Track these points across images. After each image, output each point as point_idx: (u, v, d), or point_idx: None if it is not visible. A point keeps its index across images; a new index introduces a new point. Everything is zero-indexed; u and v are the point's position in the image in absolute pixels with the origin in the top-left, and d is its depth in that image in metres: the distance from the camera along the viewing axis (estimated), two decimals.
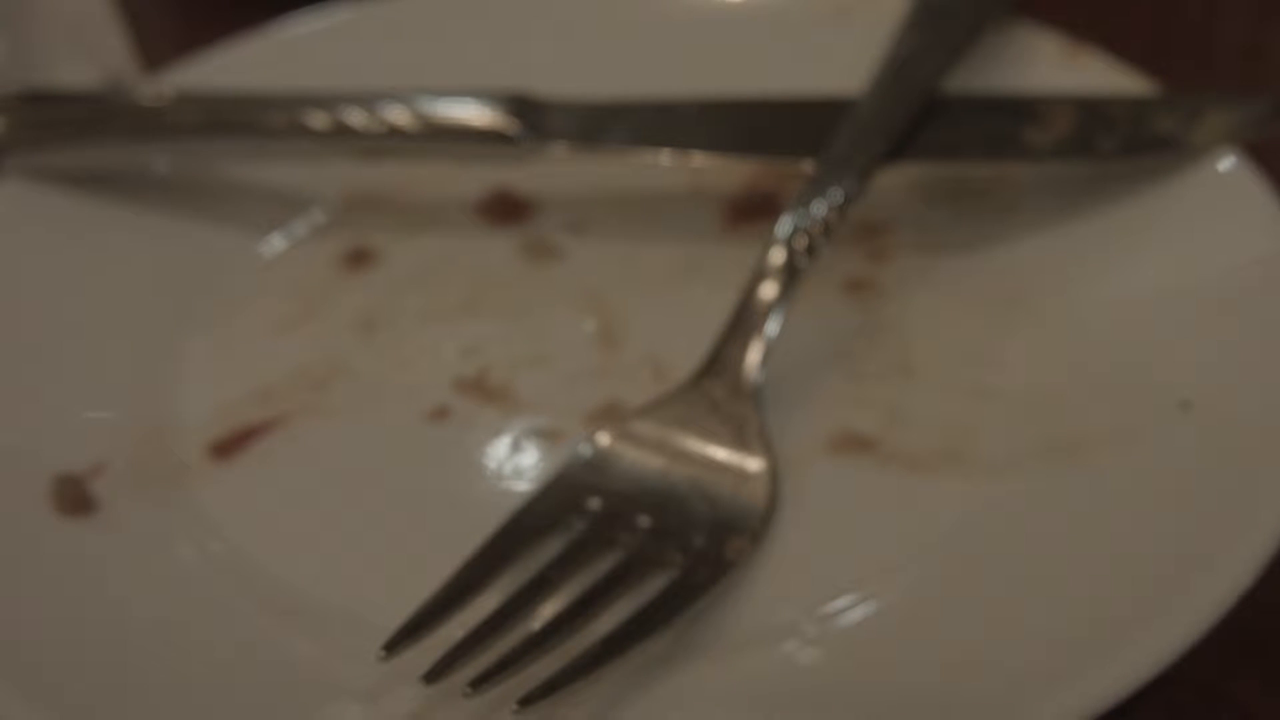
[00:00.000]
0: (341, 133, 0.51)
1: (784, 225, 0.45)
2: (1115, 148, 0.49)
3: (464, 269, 0.52)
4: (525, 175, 0.54)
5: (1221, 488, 0.38)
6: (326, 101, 0.52)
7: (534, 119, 0.51)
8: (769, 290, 0.44)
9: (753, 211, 0.52)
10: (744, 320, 0.44)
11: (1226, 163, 0.47)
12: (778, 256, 0.45)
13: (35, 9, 0.65)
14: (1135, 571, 0.37)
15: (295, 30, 0.60)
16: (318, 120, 0.51)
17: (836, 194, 0.46)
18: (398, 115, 0.51)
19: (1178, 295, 0.45)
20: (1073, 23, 0.57)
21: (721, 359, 0.43)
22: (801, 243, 0.45)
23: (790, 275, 0.44)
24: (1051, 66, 0.54)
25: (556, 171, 0.53)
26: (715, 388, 0.43)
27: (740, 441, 0.42)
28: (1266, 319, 0.42)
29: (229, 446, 0.46)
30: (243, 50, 0.59)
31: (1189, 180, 0.47)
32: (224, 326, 0.50)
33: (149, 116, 0.53)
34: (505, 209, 0.54)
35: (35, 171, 0.53)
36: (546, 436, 0.45)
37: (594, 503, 0.40)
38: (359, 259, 0.53)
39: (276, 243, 0.54)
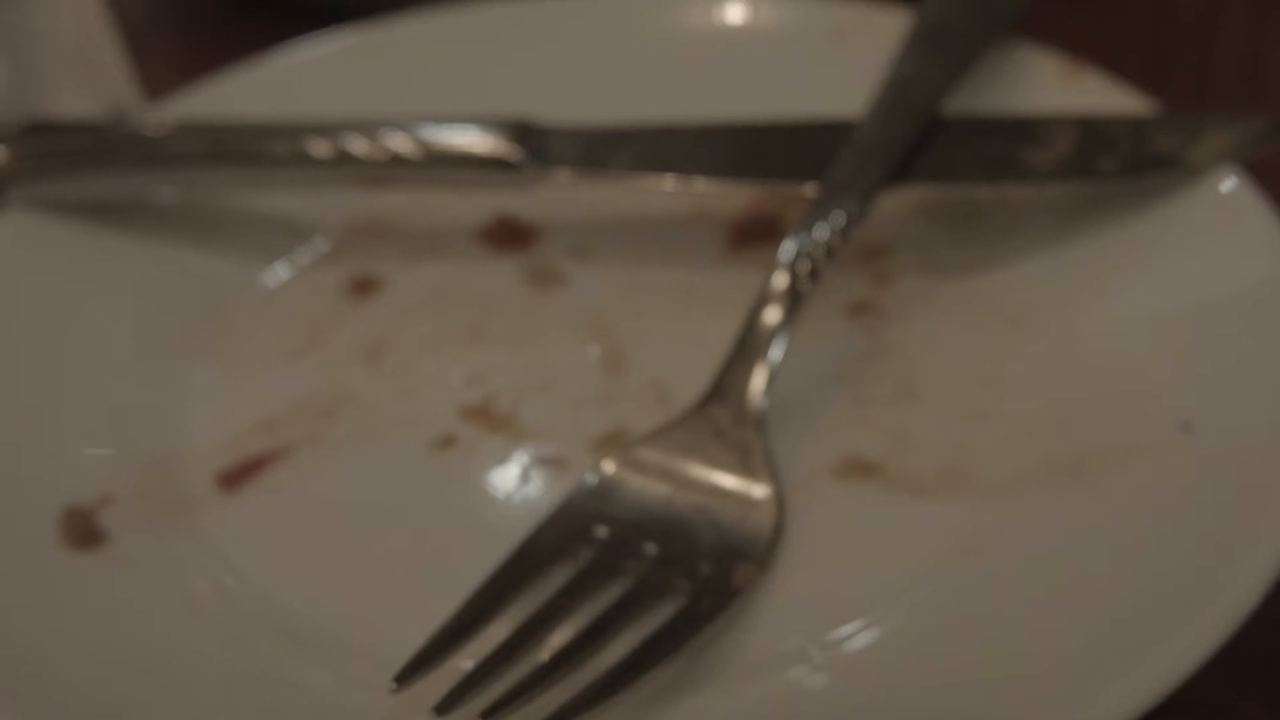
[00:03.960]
0: (344, 161, 0.51)
1: (787, 249, 0.46)
2: (1115, 168, 0.49)
3: (468, 296, 0.52)
4: (527, 201, 0.54)
5: (1224, 508, 0.38)
6: (328, 129, 0.52)
7: (536, 145, 0.51)
8: (772, 315, 0.44)
9: (755, 235, 0.53)
10: (748, 346, 0.44)
11: (1226, 182, 0.47)
12: (781, 281, 0.45)
13: (37, 37, 0.65)
14: (1140, 592, 0.37)
15: (296, 57, 0.60)
16: (320, 149, 0.51)
17: (839, 218, 0.47)
18: (400, 143, 0.51)
19: (1178, 316, 0.45)
20: (1072, 41, 0.57)
21: (725, 385, 0.43)
22: (804, 267, 0.45)
23: (793, 300, 0.45)
24: (1051, 85, 0.54)
25: (558, 197, 0.53)
26: (720, 414, 0.43)
27: (745, 468, 0.42)
28: (1266, 340, 0.42)
29: (236, 476, 0.46)
30: (244, 78, 0.59)
31: (1189, 200, 0.48)
32: (229, 355, 0.51)
33: (151, 146, 0.53)
34: (508, 235, 0.54)
35: (39, 201, 0.53)
36: (552, 464, 0.45)
37: (601, 531, 0.40)
38: (363, 287, 0.53)
39: (280, 271, 0.54)
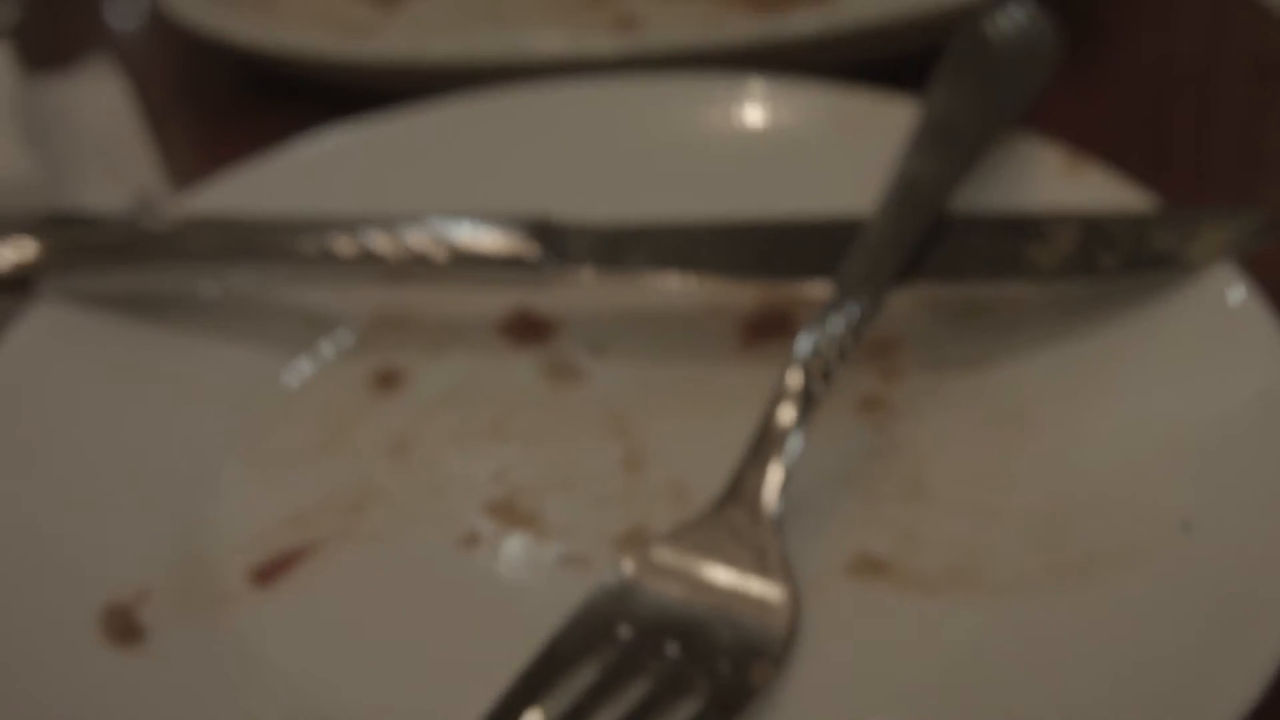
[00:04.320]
0: (367, 260, 0.53)
1: (800, 348, 0.47)
2: (1116, 265, 0.51)
3: (489, 390, 0.54)
4: (546, 294, 0.56)
5: (1222, 609, 0.40)
6: (350, 225, 0.54)
7: (555, 243, 0.53)
8: (786, 415, 0.46)
9: (767, 330, 0.54)
10: (762, 446, 0.46)
11: (1224, 281, 0.49)
12: (794, 381, 0.46)
13: (65, 127, 0.67)
14: (1141, 691, 0.39)
15: (317, 145, 0.62)
16: (343, 246, 0.53)
17: (850, 317, 0.48)
18: (421, 241, 0.53)
19: (1177, 416, 0.46)
20: (1074, 128, 0.59)
21: (741, 486, 0.45)
22: (818, 367, 0.47)
23: (807, 400, 0.46)
24: (1053, 178, 0.56)
25: (575, 290, 0.55)
26: (736, 514, 0.45)
27: (762, 568, 0.43)
28: (1263, 442, 0.44)
29: (269, 572, 0.48)
30: (266, 167, 0.61)
31: (1187, 299, 0.49)
32: (257, 450, 0.52)
33: (176, 242, 0.55)
34: (526, 328, 0.56)
35: (67, 293, 0.54)
36: (575, 562, 0.47)
37: (624, 631, 0.42)
38: (387, 380, 0.54)
39: (305, 365, 0.55)
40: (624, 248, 0.53)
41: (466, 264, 0.53)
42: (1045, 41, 0.60)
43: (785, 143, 0.61)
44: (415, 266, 0.53)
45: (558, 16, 0.80)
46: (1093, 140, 0.58)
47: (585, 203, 0.56)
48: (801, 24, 0.68)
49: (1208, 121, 0.71)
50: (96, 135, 0.68)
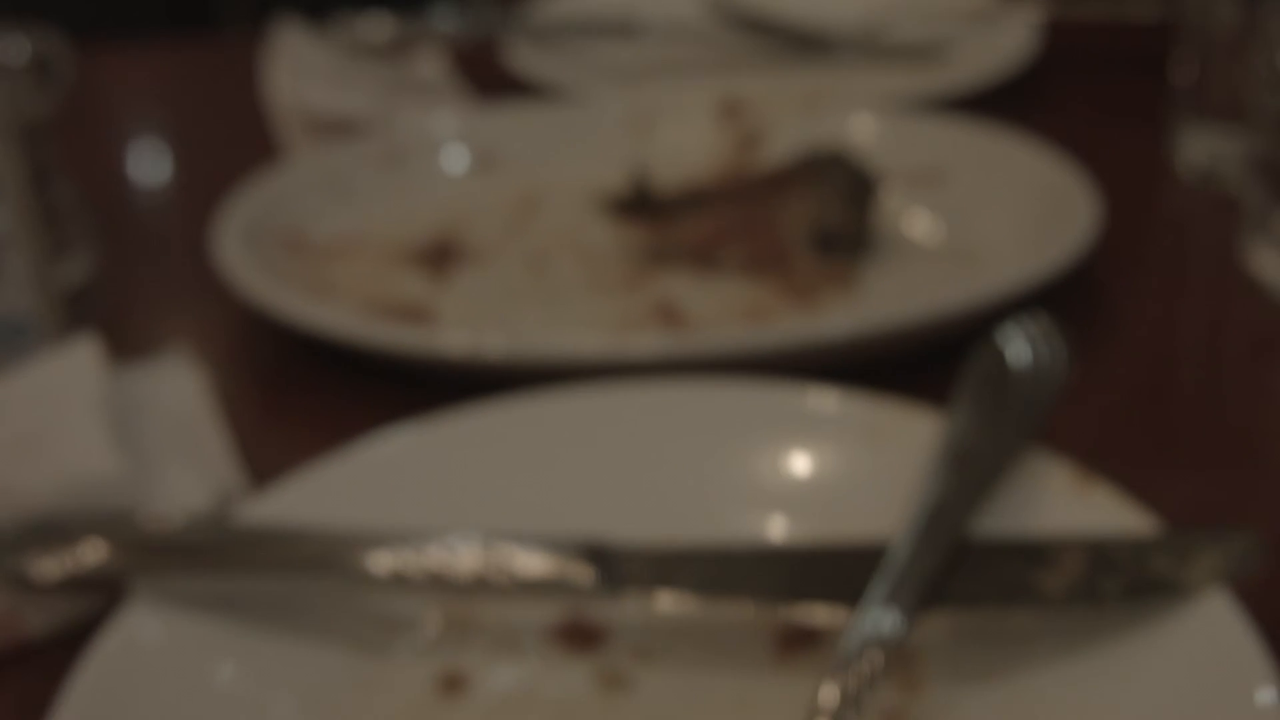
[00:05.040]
0: (432, 584, 0.58)
1: (831, 670, 0.52)
2: (1118, 591, 0.56)
3: (547, 699, 0.58)
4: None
5: None
6: (414, 544, 0.59)
7: (608, 567, 0.58)
8: None
9: (801, 643, 0.59)
10: None
11: (1216, 606, 0.54)
12: (829, 698, 0.51)
13: (146, 421, 0.72)
14: None
15: (381, 448, 0.68)
16: (409, 568, 0.58)
17: (876, 644, 0.53)
18: (481, 565, 0.58)
19: None
20: (1084, 446, 0.65)
21: None
22: (849, 688, 0.52)
23: None
24: (1063, 494, 0.62)
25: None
26: None
27: None
28: None
29: None
30: (336, 469, 0.66)
31: (1181, 625, 0.54)
32: None
33: (253, 552, 0.60)
34: (579, 634, 0.61)
35: (151, 595, 0.59)
36: None
37: None
38: (451, 684, 0.59)
39: (374, 664, 0.60)
40: (671, 572, 0.58)
41: (525, 589, 0.58)
42: (1059, 358, 0.66)
43: (819, 452, 0.67)
44: (475, 589, 0.58)
45: (600, 293, 0.87)
46: (1099, 447, 0.64)
47: (631, 505, 0.63)
48: (831, 328, 0.75)
49: (1212, 409, 0.76)
50: (176, 429, 0.72)
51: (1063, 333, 0.67)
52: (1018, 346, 0.66)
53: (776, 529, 0.65)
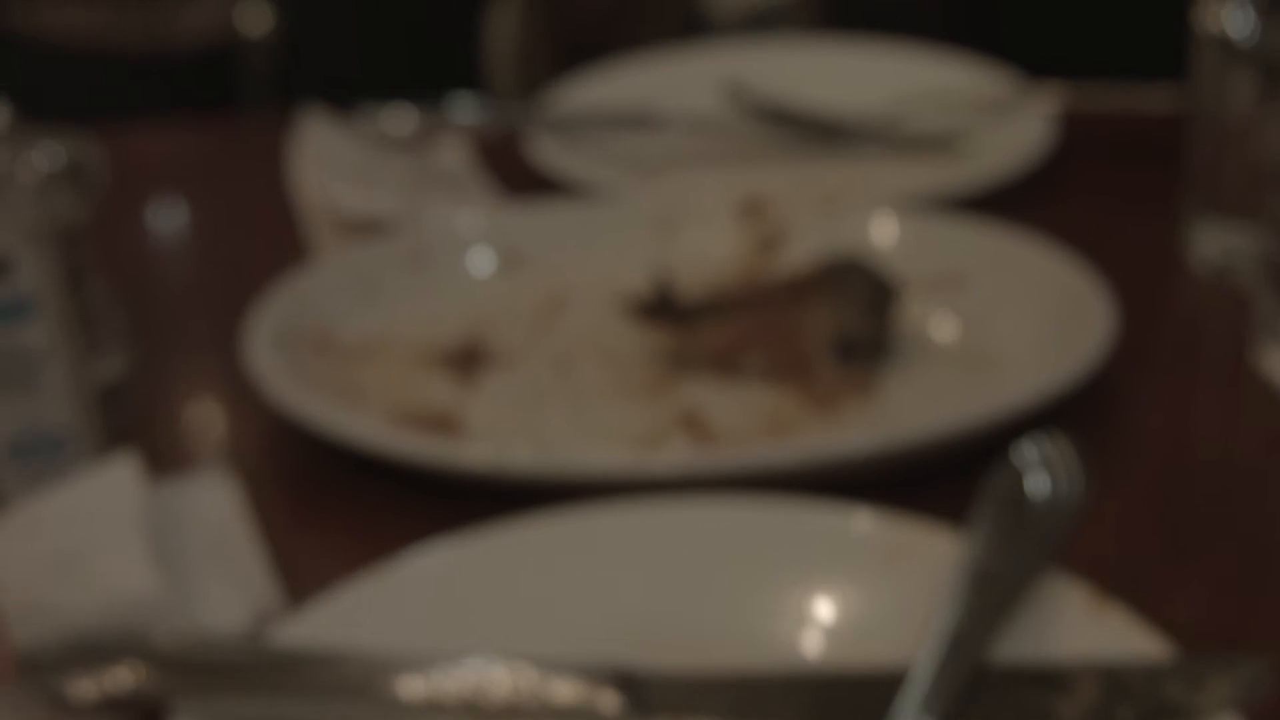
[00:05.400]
0: (466, 711, 0.60)
1: None
2: (1132, 719, 0.58)
3: None
4: None
5: None
6: (446, 668, 0.61)
7: (636, 694, 0.60)
8: None
9: None
10: None
11: None
12: None
13: (184, 537, 0.74)
14: None
15: (415, 565, 0.70)
16: (442, 693, 0.60)
17: None
18: (512, 691, 0.60)
19: None
20: (1099, 559, 0.66)
21: None
22: None
23: None
24: (1079, 616, 0.63)
25: None
26: None
27: None
28: None
29: None
30: (371, 587, 0.68)
31: None
32: None
33: (289, 676, 0.62)
34: None
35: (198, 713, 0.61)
36: None
37: None
38: None
39: None
40: (698, 699, 0.60)
41: (556, 716, 0.60)
42: (1076, 481, 0.68)
43: (843, 574, 0.68)
44: (509, 716, 0.60)
45: (624, 398, 0.88)
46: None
47: (658, 623, 0.65)
48: (852, 446, 0.77)
49: (1223, 529, 0.78)
50: (214, 544, 0.74)
51: (1079, 453, 0.69)
52: (1035, 470, 0.68)
53: (800, 650, 0.66)
